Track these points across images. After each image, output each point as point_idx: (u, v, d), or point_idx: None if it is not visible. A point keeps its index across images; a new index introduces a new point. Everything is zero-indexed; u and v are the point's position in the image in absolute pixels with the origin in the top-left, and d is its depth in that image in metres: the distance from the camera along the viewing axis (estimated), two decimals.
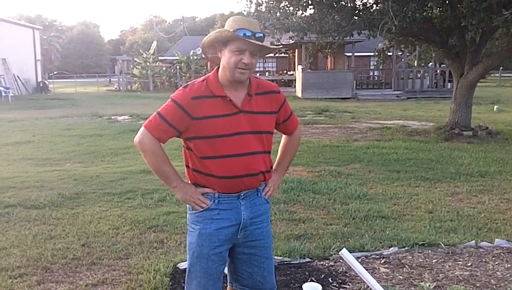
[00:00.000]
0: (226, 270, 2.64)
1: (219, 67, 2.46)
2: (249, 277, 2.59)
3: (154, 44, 42.93)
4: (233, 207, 2.46)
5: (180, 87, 2.45)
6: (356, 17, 12.14)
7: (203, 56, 2.70)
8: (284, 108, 2.61)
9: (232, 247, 2.55)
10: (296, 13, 12.95)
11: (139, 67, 40.35)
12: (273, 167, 2.67)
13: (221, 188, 2.43)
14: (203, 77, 2.48)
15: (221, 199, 2.45)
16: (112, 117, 17.59)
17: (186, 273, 2.56)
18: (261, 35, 2.36)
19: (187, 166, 2.52)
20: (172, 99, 2.40)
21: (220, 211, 2.45)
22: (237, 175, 2.41)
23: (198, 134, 2.38)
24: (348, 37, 13.80)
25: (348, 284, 3.75)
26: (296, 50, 31.35)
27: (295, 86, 30.20)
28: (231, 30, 2.32)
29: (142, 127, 2.43)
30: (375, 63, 29.85)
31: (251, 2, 13.33)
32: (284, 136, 2.77)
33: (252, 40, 2.31)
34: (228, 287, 2.72)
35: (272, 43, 15.30)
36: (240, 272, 2.61)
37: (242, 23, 2.34)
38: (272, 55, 36.00)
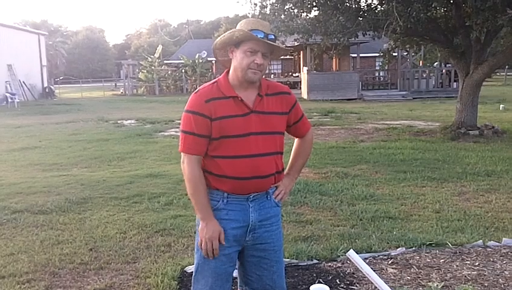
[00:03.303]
0: (236, 274, 2.65)
1: (229, 70, 2.48)
2: (258, 280, 2.59)
3: (160, 48, 43.06)
4: (241, 208, 2.46)
5: (191, 95, 2.46)
6: (361, 18, 12.14)
7: (213, 58, 2.72)
8: (295, 110, 2.60)
9: (242, 249, 2.55)
10: (301, 15, 12.97)
11: (145, 71, 40.53)
12: (286, 171, 2.67)
13: (231, 189, 2.44)
14: (212, 80, 2.50)
15: (230, 199, 2.45)
16: (118, 121, 17.65)
17: (193, 273, 2.56)
18: (273, 37, 2.39)
19: None
20: (187, 110, 2.42)
21: (228, 211, 2.46)
22: (247, 177, 2.41)
23: (212, 135, 2.40)
24: (353, 38, 13.80)
25: (356, 285, 3.74)
26: (301, 52, 31.36)
27: (301, 88, 30.24)
28: (244, 30, 2.35)
29: (181, 153, 2.45)
30: (381, 64, 29.90)
31: (256, 4, 13.36)
32: (296, 139, 2.76)
33: (265, 40, 2.34)
34: None
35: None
36: (249, 275, 2.60)
37: (255, 25, 2.38)
38: None
